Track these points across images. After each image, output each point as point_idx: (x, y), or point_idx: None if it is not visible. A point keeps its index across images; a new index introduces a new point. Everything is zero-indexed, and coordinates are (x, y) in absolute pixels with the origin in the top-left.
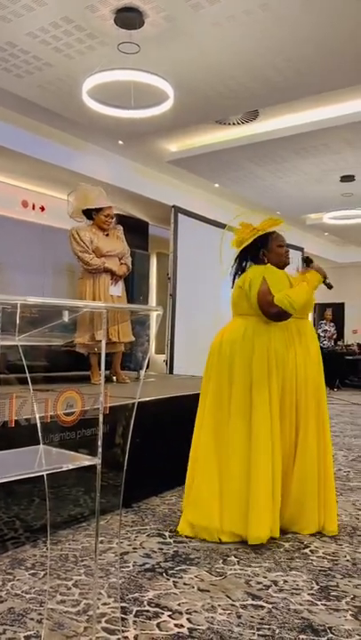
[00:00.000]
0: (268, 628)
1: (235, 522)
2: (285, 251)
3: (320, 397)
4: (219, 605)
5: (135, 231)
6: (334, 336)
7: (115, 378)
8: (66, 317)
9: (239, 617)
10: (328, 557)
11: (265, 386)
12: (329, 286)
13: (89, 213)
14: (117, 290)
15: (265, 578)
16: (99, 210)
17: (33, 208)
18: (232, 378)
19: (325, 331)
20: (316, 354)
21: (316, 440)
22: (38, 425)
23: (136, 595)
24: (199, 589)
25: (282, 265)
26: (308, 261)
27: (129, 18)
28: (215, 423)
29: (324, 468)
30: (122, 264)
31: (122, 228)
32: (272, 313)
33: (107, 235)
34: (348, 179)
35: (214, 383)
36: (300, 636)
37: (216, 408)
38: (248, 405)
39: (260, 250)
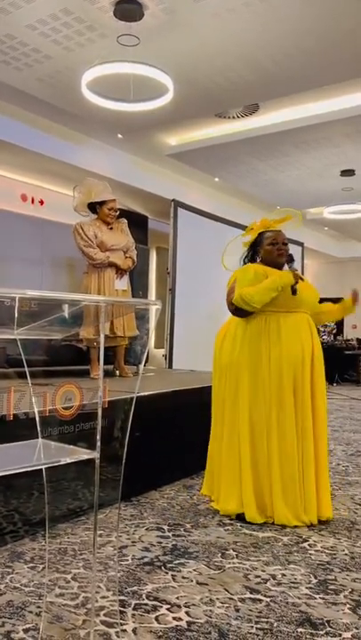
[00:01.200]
0: (267, 622)
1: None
2: (278, 249)
3: (300, 389)
4: (217, 599)
5: (135, 225)
6: (334, 331)
7: (118, 372)
8: (65, 311)
9: (237, 610)
10: (326, 551)
11: (237, 376)
12: (293, 292)
13: (93, 207)
14: (122, 284)
15: (263, 572)
16: (102, 203)
17: (32, 202)
18: (218, 368)
19: (325, 325)
20: (294, 348)
21: (295, 433)
22: (37, 419)
23: (135, 588)
24: (198, 583)
25: (274, 262)
26: (289, 260)
27: (128, 10)
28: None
29: (308, 460)
30: (127, 258)
31: (126, 221)
32: (231, 310)
33: (111, 228)
34: (348, 173)
35: (214, 381)
36: (299, 630)
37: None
38: (223, 395)
39: (256, 247)
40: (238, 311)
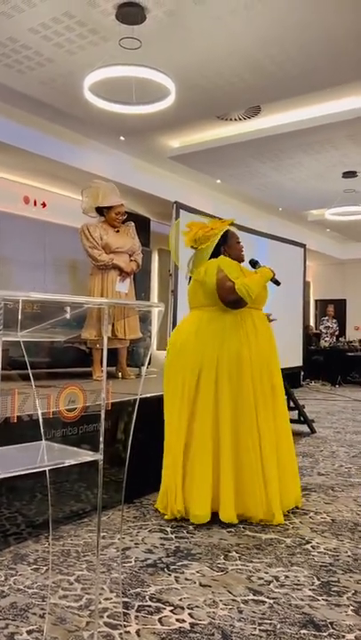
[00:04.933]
0: (270, 624)
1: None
2: (241, 247)
3: (274, 385)
4: (220, 600)
5: (137, 227)
6: (336, 332)
7: (120, 374)
8: (68, 313)
9: (241, 612)
10: (329, 553)
11: (214, 379)
12: (277, 283)
13: (101, 210)
14: (124, 287)
15: (266, 573)
16: (109, 208)
17: (34, 204)
18: (186, 371)
19: (328, 327)
20: (270, 345)
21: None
22: (40, 421)
23: (138, 590)
24: (201, 585)
25: (240, 259)
26: (254, 263)
27: (130, 13)
28: (180, 417)
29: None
30: (132, 261)
31: (133, 225)
32: (230, 300)
33: (117, 231)
34: (350, 175)
35: (173, 378)
36: (302, 632)
37: (175, 400)
38: (193, 396)
39: (221, 246)
40: (237, 303)
